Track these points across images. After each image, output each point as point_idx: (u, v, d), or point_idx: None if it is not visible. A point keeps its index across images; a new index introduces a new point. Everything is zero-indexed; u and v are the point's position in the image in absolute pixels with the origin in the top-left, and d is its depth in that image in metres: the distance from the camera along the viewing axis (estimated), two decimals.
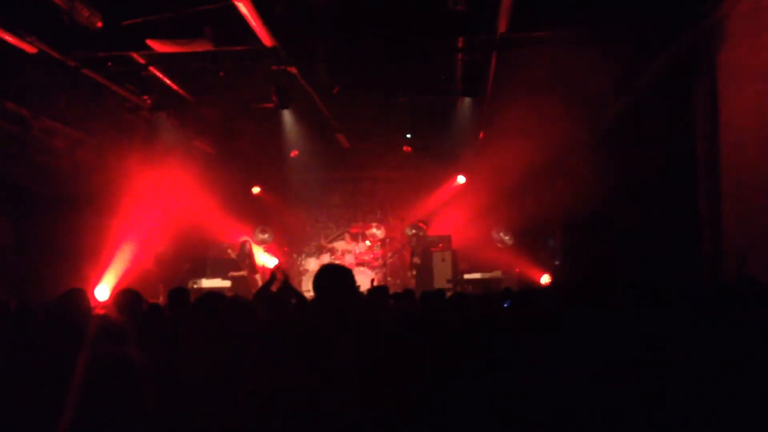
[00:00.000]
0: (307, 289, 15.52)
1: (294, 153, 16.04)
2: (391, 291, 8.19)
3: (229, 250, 15.30)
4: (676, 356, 3.01)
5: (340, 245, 17.03)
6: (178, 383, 2.96)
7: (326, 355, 3.33)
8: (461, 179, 16.80)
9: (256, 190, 17.20)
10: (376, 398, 2.88)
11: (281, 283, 6.26)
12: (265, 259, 16.52)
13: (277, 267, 7.29)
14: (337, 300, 4.05)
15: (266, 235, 16.41)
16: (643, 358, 3.06)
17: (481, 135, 14.97)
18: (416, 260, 15.38)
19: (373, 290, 7.68)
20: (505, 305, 6.84)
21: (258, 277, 15.27)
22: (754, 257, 7.73)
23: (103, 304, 9.85)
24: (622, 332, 3.54)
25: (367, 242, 16.71)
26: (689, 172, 9.54)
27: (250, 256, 15.28)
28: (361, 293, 7.44)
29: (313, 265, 16.30)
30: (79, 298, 4.50)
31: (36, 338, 4.13)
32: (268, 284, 6.66)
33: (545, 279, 14.11)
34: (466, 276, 15.07)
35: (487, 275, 14.82)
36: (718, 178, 8.74)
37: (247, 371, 2.98)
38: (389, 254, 16.57)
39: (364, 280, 14.61)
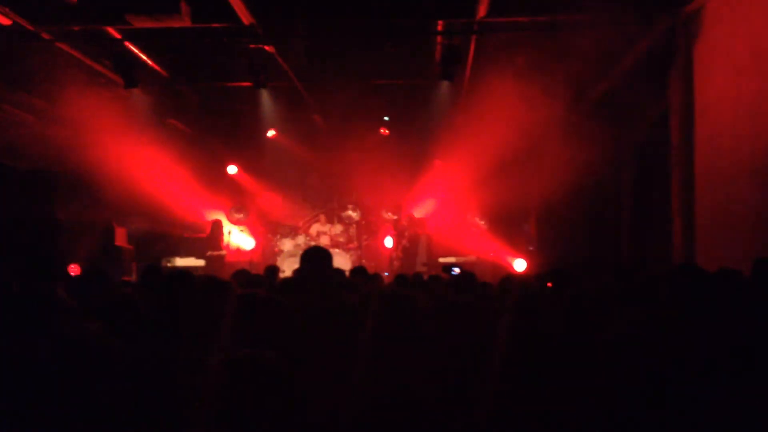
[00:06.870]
0: (282, 270, 15.51)
1: (271, 133, 15.96)
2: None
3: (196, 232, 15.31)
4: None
5: (315, 227, 16.99)
6: (149, 360, 2.95)
7: (305, 331, 3.34)
8: (438, 163, 16.80)
9: (232, 169, 17.05)
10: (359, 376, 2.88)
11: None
12: (241, 240, 16.47)
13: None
14: (320, 279, 4.12)
15: (241, 215, 16.36)
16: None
17: (458, 119, 14.97)
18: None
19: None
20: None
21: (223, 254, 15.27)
22: (725, 247, 7.84)
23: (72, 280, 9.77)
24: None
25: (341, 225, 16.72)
26: (664, 159, 9.62)
27: (219, 236, 15.29)
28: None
29: (288, 246, 16.26)
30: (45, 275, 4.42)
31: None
32: None
33: (520, 265, 14.16)
34: (441, 260, 15.13)
35: (461, 259, 14.88)
36: (692, 166, 8.82)
37: (222, 347, 2.98)
38: (365, 236, 16.56)
39: (338, 262, 14.61)
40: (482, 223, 15.46)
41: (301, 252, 4.58)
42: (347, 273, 8.06)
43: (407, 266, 14.60)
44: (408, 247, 15.28)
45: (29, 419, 2.26)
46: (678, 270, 4.21)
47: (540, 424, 2.59)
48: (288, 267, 14.80)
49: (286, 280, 6.18)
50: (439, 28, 10.38)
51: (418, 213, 16.42)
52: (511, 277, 5.66)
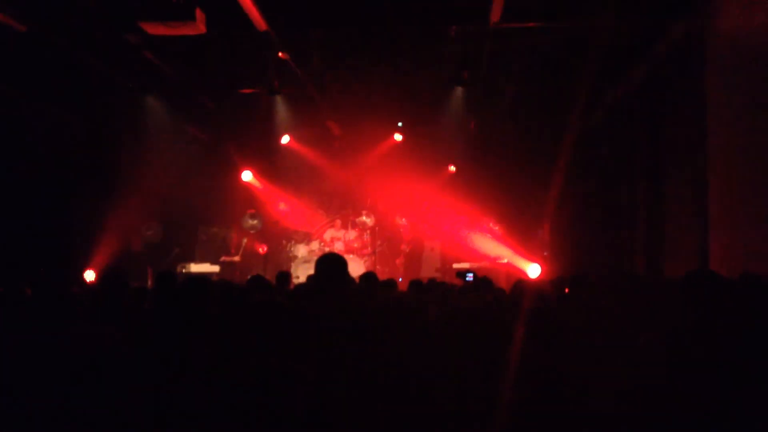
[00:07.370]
0: (296, 276, 15.54)
1: (286, 139, 16.01)
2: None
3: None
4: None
5: (329, 232, 16.98)
6: (161, 364, 2.96)
7: (321, 338, 3.34)
8: (452, 168, 16.79)
9: (246, 175, 17.08)
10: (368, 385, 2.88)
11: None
12: (255, 246, 16.53)
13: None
14: (335, 286, 4.12)
15: (256, 221, 16.38)
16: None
17: (472, 124, 14.96)
18: (408, 249, 15.37)
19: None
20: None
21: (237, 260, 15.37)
22: (741, 252, 7.78)
23: (88, 285, 9.84)
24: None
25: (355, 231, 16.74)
26: (679, 164, 9.58)
27: (233, 242, 15.43)
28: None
29: (302, 251, 16.27)
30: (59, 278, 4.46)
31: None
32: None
33: (534, 270, 14.09)
34: (455, 265, 15.09)
35: (475, 265, 14.84)
36: (705, 170, 8.77)
37: (233, 354, 2.98)
38: (379, 242, 16.56)
39: (352, 268, 14.58)
40: (497, 228, 15.44)
41: (315, 258, 4.58)
42: (357, 279, 8.04)
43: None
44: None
45: (42, 419, 2.27)
46: (694, 275, 4.19)
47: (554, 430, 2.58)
48: (302, 273, 14.83)
49: (300, 286, 6.19)
50: (453, 33, 10.38)
51: (428, 219, 16.41)
52: (523, 283, 5.63)
